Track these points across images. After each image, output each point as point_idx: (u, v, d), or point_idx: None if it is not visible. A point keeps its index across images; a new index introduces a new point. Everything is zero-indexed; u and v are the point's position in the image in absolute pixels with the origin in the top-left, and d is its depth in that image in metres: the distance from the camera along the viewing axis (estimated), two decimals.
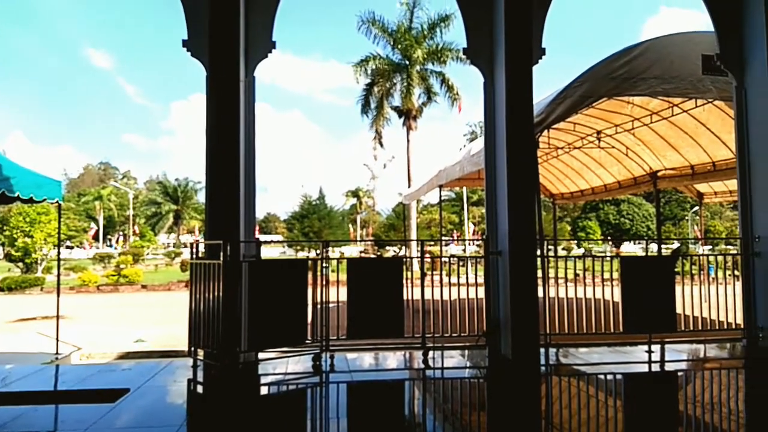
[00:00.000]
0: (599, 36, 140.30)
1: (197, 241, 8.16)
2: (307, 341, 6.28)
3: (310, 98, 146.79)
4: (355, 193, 72.11)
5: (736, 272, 7.47)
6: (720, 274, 8.37)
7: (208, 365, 5.92)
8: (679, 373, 6.55)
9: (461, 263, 10.81)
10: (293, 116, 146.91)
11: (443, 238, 41.52)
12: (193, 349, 6.07)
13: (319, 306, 6.39)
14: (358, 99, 34.79)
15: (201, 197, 70.05)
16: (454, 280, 7.75)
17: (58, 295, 9.36)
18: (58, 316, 9.46)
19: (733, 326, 7.26)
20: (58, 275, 10.73)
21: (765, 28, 6.79)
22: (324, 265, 6.57)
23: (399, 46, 32.75)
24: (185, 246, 52.67)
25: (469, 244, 34.54)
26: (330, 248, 6.92)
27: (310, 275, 6.41)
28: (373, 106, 34.56)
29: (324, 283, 6.49)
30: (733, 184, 9.63)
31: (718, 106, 9.47)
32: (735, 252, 7.49)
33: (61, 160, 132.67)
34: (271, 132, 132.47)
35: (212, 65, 6.20)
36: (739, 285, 7.26)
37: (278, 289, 6.06)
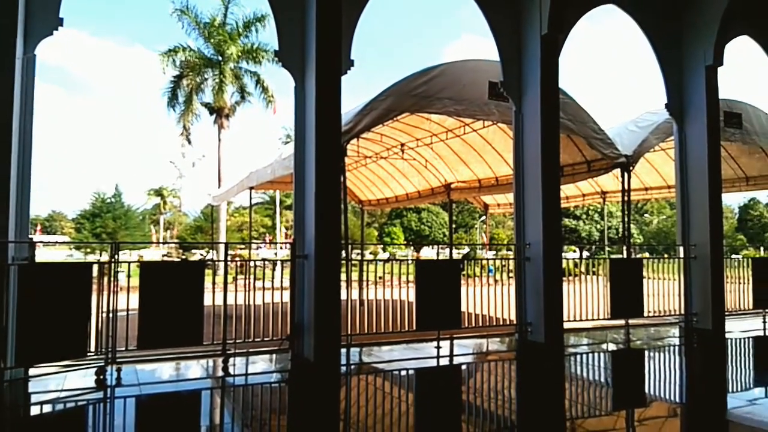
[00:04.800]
0: (408, 52, 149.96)
1: None
2: (90, 353, 5.68)
3: (109, 84, 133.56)
4: (158, 192, 66.97)
5: (511, 274, 8.51)
6: (498, 276, 9.48)
7: None
8: (463, 366, 7.28)
9: (271, 267, 10.70)
10: (88, 103, 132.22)
11: (254, 241, 40.67)
12: None
13: (105, 314, 5.82)
14: (165, 91, 32.55)
15: None
16: (262, 284, 7.62)
17: None
18: None
19: (509, 322, 8.24)
20: None
21: (540, 61, 7.87)
22: (118, 269, 6.03)
23: (212, 41, 31.41)
24: None
25: (281, 248, 34.35)
26: (127, 251, 6.36)
27: (101, 280, 5.81)
28: (181, 100, 32.59)
29: (115, 289, 5.94)
30: (512, 197, 10.96)
31: (502, 128, 10.74)
32: (512, 257, 8.52)
33: None
34: (61, 118, 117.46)
35: None
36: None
37: (55, 296, 5.38)
